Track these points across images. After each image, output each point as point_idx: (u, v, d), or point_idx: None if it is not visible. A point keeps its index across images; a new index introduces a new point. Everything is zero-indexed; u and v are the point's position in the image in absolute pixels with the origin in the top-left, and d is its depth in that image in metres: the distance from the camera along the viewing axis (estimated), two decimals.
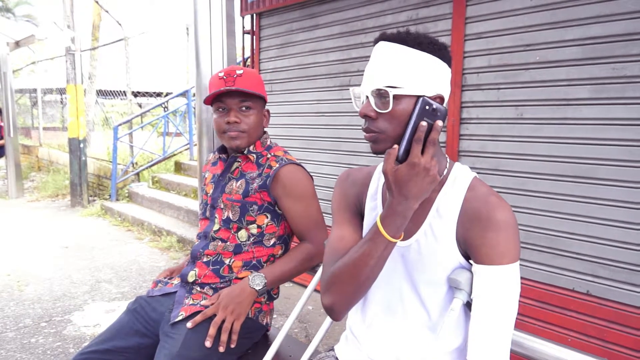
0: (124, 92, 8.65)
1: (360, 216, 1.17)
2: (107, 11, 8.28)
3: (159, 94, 11.64)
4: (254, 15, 4.13)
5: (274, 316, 3.44)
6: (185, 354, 1.36)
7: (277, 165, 1.52)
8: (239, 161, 1.60)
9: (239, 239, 1.55)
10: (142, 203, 6.73)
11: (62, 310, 3.45)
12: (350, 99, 1.11)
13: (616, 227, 2.23)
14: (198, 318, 1.42)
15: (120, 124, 7.43)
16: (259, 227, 1.55)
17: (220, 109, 1.55)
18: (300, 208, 1.53)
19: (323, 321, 1.44)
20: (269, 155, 1.57)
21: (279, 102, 4.03)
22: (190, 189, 6.45)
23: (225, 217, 1.56)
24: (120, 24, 7.61)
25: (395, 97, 0.98)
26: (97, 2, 9.31)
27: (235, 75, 1.50)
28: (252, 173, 1.56)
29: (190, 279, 1.56)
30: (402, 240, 1.07)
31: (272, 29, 4.02)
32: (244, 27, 4.27)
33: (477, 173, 1.09)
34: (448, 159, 1.08)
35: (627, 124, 2.17)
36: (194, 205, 5.70)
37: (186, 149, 7.80)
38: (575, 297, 2.39)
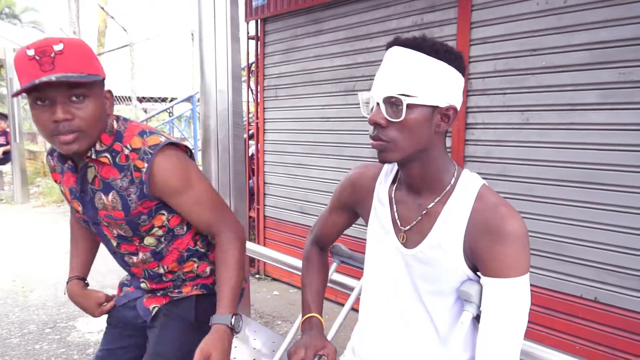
0: (129, 97, 8.69)
1: (353, 212, 1.27)
2: (112, 17, 8.34)
3: (164, 99, 11.69)
4: (259, 20, 4.14)
5: (279, 322, 3.44)
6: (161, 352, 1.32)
7: (146, 165, 1.21)
8: (91, 166, 1.26)
9: (148, 246, 1.34)
10: None
11: (67, 317, 3.45)
12: (356, 104, 1.09)
13: (624, 233, 2.21)
14: None
15: None
16: (161, 227, 1.32)
17: (39, 102, 1.12)
18: (189, 200, 1.28)
19: (328, 327, 1.42)
20: (126, 152, 1.23)
21: (283, 107, 4.03)
22: None
23: (116, 234, 1.32)
24: (125, 30, 7.65)
25: (409, 106, 0.94)
26: (102, 8, 9.37)
27: (53, 54, 1.08)
28: (117, 180, 1.24)
29: (145, 288, 1.44)
30: (408, 248, 1.06)
31: (276, 34, 4.03)
32: (248, 33, 4.28)
33: (483, 179, 1.07)
34: (456, 166, 1.06)
35: (635, 129, 2.15)
36: None
37: None
38: (582, 304, 2.36)
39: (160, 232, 1.32)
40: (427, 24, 2.95)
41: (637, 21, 2.12)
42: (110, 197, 1.25)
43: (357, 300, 1.47)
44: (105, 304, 1.50)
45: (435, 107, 0.97)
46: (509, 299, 0.94)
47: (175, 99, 9.08)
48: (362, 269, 1.43)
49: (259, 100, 4.23)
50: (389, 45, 1.00)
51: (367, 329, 1.17)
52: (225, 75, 2.28)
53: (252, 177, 4.58)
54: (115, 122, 1.27)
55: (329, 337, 1.43)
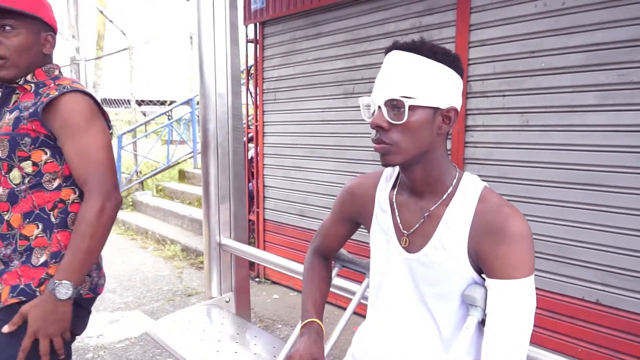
0: (128, 100, 8.69)
1: (355, 223, 1.27)
2: (111, 21, 8.34)
3: (163, 103, 11.70)
4: (258, 24, 4.14)
5: (279, 326, 3.43)
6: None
7: (56, 93, 1.26)
8: (17, 93, 1.34)
9: (11, 181, 1.29)
10: (146, 212, 6.72)
11: None
12: (356, 106, 1.09)
13: (626, 234, 2.20)
14: (20, 356, 1.21)
15: (124, 133, 7.45)
16: (34, 164, 1.28)
17: None
18: (78, 145, 1.26)
19: (329, 331, 1.41)
20: (52, 85, 1.31)
21: (283, 110, 4.03)
22: (194, 197, 6.44)
23: None
24: (124, 34, 7.65)
25: (411, 107, 0.95)
26: (101, 12, 9.38)
27: None
28: (27, 102, 1.30)
29: None
30: (411, 253, 1.05)
31: (275, 37, 4.03)
32: (247, 36, 4.28)
33: (483, 181, 1.06)
34: (457, 169, 1.06)
35: (635, 130, 2.15)
36: (198, 213, 5.69)
37: (190, 157, 7.81)
38: (584, 306, 2.36)
39: (29, 170, 1.29)
40: (425, 27, 2.94)
41: (635, 23, 2.12)
42: (12, 115, 1.29)
43: (359, 304, 1.47)
44: None
45: (436, 109, 0.97)
46: (515, 300, 0.93)
47: (174, 102, 9.08)
48: (364, 273, 1.43)
49: (258, 103, 4.23)
50: (388, 49, 1.01)
51: (367, 334, 1.16)
52: (224, 79, 2.28)
53: (251, 180, 4.57)
54: (57, 71, 1.39)
55: (331, 341, 1.42)
